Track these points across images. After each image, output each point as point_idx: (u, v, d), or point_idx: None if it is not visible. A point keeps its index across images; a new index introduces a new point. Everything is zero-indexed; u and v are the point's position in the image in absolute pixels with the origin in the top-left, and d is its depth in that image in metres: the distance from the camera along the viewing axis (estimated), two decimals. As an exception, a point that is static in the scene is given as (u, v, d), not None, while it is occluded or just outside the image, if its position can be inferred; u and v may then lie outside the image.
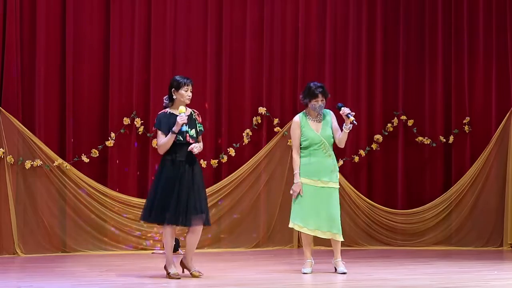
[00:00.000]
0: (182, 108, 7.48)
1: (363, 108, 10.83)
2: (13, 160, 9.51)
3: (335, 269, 7.97)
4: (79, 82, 9.91)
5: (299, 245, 10.40)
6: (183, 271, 7.65)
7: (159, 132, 7.54)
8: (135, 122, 10.06)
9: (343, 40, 10.84)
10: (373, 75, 10.91)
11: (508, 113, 10.69)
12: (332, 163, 7.97)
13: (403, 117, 10.90)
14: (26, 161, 9.57)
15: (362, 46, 10.86)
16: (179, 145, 7.48)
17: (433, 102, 10.94)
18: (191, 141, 7.51)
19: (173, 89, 7.58)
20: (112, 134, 9.95)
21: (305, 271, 7.95)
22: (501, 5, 10.86)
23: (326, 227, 7.88)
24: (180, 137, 7.46)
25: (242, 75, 10.52)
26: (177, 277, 7.45)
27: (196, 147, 7.49)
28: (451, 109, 10.92)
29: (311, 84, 8.01)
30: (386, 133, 10.89)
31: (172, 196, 7.39)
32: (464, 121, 10.85)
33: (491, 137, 10.71)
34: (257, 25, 10.57)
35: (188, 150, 7.48)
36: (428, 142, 10.88)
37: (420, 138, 10.88)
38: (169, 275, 7.50)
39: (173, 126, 7.44)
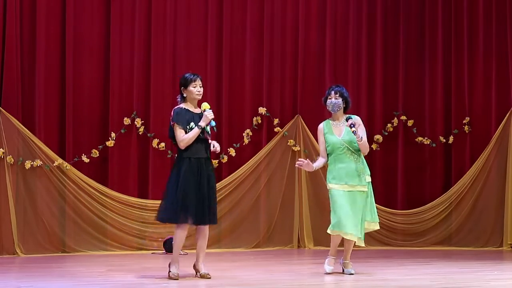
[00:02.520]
0: (206, 104, 7.51)
1: (363, 108, 10.83)
2: (13, 160, 9.51)
3: (343, 270, 7.94)
4: (79, 82, 9.92)
5: (299, 246, 10.42)
6: (196, 275, 7.63)
7: (177, 126, 7.47)
8: (135, 122, 10.06)
9: (343, 40, 10.85)
10: (373, 75, 10.91)
11: (508, 113, 10.70)
12: (358, 167, 7.89)
13: (403, 117, 10.90)
14: (26, 161, 9.57)
15: (362, 46, 10.87)
16: (198, 142, 7.48)
17: (433, 102, 10.95)
18: (207, 137, 7.52)
19: (182, 87, 7.59)
20: (113, 134, 9.95)
21: (328, 270, 7.85)
22: (501, 6, 10.87)
23: (351, 229, 7.80)
24: (201, 134, 7.46)
25: (242, 75, 10.53)
26: (175, 277, 7.44)
27: (218, 146, 7.54)
28: (451, 109, 10.92)
29: (332, 85, 8.13)
30: (386, 133, 10.89)
31: (193, 196, 7.40)
32: (464, 121, 10.85)
33: (491, 137, 10.72)
34: (257, 25, 10.58)
35: (212, 150, 7.54)
36: (428, 142, 10.88)
37: (420, 138, 10.88)
38: (169, 274, 7.49)
39: (190, 121, 7.44)
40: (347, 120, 7.85)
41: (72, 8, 9.86)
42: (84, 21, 9.95)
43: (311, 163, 7.91)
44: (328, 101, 7.93)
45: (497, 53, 10.85)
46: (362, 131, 7.89)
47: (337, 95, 7.91)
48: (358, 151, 7.91)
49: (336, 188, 7.84)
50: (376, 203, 10.76)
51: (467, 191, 10.70)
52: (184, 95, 7.57)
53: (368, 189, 7.93)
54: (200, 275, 7.59)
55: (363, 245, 7.92)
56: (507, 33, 10.82)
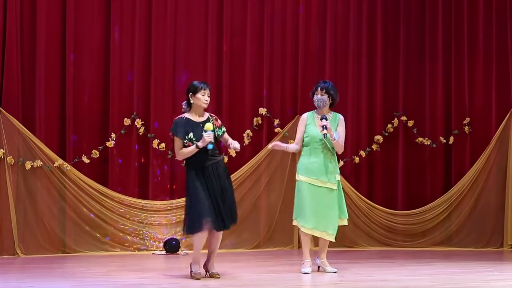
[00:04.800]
0: (209, 125, 7.52)
1: (364, 108, 10.84)
2: (13, 160, 9.50)
3: (318, 268, 8.07)
4: (80, 83, 9.91)
5: (299, 246, 10.39)
6: (206, 274, 7.70)
7: (176, 138, 7.59)
8: (135, 122, 10.06)
9: (344, 41, 10.84)
10: (373, 75, 10.91)
11: (508, 114, 10.69)
12: (332, 165, 8.03)
13: (404, 118, 10.90)
14: (27, 162, 9.56)
15: (362, 47, 10.87)
16: (200, 153, 7.52)
17: (433, 102, 10.95)
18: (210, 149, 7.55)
19: (190, 93, 7.62)
20: (113, 135, 9.95)
21: (305, 271, 7.96)
22: (501, 6, 10.86)
23: (321, 227, 7.93)
24: (209, 147, 7.50)
25: (243, 75, 10.53)
26: (198, 277, 7.52)
27: (237, 145, 7.60)
28: (451, 109, 10.92)
29: (320, 80, 8.32)
30: (387, 134, 10.89)
31: (206, 203, 7.43)
32: (464, 122, 10.85)
33: (491, 138, 10.71)
34: (258, 25, 10.57)
35: (232, 148, 7.64)
36: (428, 143, 10.88)
37: (420, 138, 10.88)
38: (191, 274, 7.57)
39: (190, 132, 7.50)
40: (321, 119, 7.96)
41: (73, 8, 9.85)
42: (84, 21, 9.95)
43: (281, 143, 8.25)
44: (315, 97, 8.11)
45: (497, 53, 10.84)
46: (341, 131, 8.07)
47: (323, 92, 8.07)
48: (333, 149, 8.03)
49: (305, 181, 7.97)
50: (376, 203, 10.85)
51: (468, 191, 10.69)
52: (191, 101, 7.60)
53: (337, 187, 8.05)
54: (210, 274, 7.66)
55: (333, 240, 8.04)
56: (507, 33, 10.82)
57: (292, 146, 8.33)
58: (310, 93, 8.20)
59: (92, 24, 10.00)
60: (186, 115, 7.64)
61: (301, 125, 8.18)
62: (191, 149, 7.52)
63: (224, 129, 7.75)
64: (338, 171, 8.12)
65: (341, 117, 8.18)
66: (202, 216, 7.42)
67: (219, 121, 7.74)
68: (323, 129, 7.91)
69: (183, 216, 7.81)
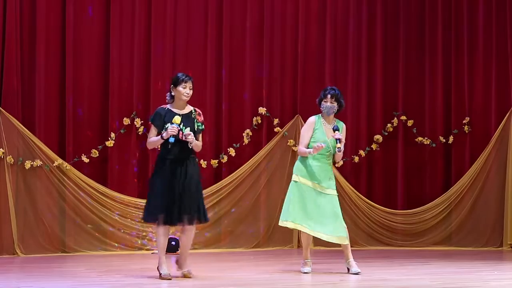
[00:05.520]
0: (177, 118, 7.42)
1: (363, 108, 10.84)
2: (13, 160, 9.51)
3: (348, 270, 7.96)
4: (79, 82, 9.91)
5: (299, 246, 10.40)
6: (176, 269, 7.64)
7: (152, 127, 7.53)
8: (135, 122, 10.06)
9: (343, 40, 10.85)
10: (373, 75, 10.91)
11: (508, 113, 10.70)
12: (331, 173, 8.00)
13: (403, 118, 10.90)
14: (26, 161, 9.57)
15: (362, 46, 10.88)
16: (175, 143, 7.41)
17: (433, 102, 10.95)
18: (186, 139, 7.41)
19: (172, 85, 7.57)
20: (112, 134, 9.95)
21: (305, 271, 7.96)
22: (501, 6, 10.86)
23: (330, 230, 7.85)
24: (171, 140, 7.36)
25: (242, 75, 10.53)
26: (168, 277, 7.44)
27: (191, 136, 7.40)
28: (451, 109, 10.93)
29: (327, 86, 8.21)
30: (386, 133, 10.89)
31: (165, 196, 7.38)
32: (464, 122, 10.86)
33: (491, 138, 10.72)
34: (257, 25, 10.58)
35: (183, 137, 7.37)
36: (428, 143, 10.88)
37: (420, 138, 10.88)
38: (160, 276, 7.50)
39: (168, 122, 7.42)
40: (334, 130, 7.91)
41: (72, 8, 9.85)
42: (84, 21, 9.95)
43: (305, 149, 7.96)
44: (324, 104, 7.97)
45: (497, 53, 10.85)
46: (342, 141, 7.96)
47: (333, 99, 7.97)
48: (333, 157, 8.00)
49: (307, 184, 7.88)
50: (376, 203, 10.85)
51: (467, 191, 10.70)
52: (173, 93, 7.56)
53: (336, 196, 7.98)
54: (182, 273, 7.56)
55: (347, 242, 7.88)
56: (507, 33, 10.82)
57: (308, 151, 8.01)
58: (317, 99, 8.05)
59: (92, 24, 10.00)
60: (169, 106, 7.58)
61: (309, 130, 8.00)
62: (156, 139, 7.46)
63: (203, 127, 7.67)
64: (334, 178, 8.07)
65: (344, 125, 8.13)
66: (157, 210, 7.38)
67: (202, 117, 7.66)
68: (337, 142, 7.83)
69: None
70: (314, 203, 7.87)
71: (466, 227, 10.71)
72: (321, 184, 7.90)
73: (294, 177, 7.99)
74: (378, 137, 10.85)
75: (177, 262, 7.71)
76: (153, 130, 7.52)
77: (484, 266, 8.82)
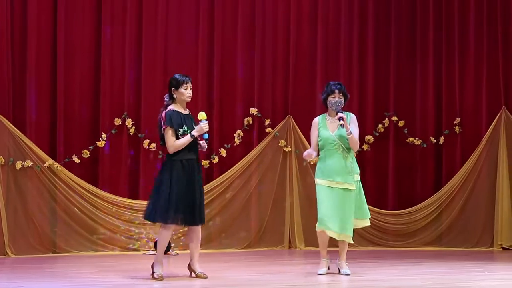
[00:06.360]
0: (203, 114, 7.53)
1: (354, 108, 10.80)
2: (3, 160, 9.48)
3: (339, 270, 7.96)
4: (70, 83, 9.90)
5: (290, 246, 10.42)
6: (190, 275, 7.67)
7: (170, 131, 7.49)
8: (126, 122, 10.04)
9: (335, 41, 10.85)
10: (364, 76, 10.92)
11: (499, 114, 10.73)
12: (349, 165, 7.93)
13: (394, 118, 10.92)
14: (17, 162, 9.54)
15: (353, 47, 10.88)
16: (190, 144, 7.50)
17: (424, 103, 10.97)
18: (199, 139, 7.58)
19: (173, 88, 7.59)
20: (103, 135, 9.94)
21: (320, 272, 7.90)
22: (492, 6, 10.88)
23: (339, 228, 7.85)
24: (205, 136, 7.56)
25: (234, 75, 10.52)
26: (160, 278, 7.45)
27: (205, 145, 7.67)
28: (442, 110, 10.94)
29: (330, 82, 8.14)
30: (377, 134, 10.90)
31: (185, 197, 7.41)
32: (455, 122, 10.88)
33: (482, 138, 10.74)
34: (249, 25, 10.57)
35: (201, 148, 7.63)
36: (419, 143, 10.90)
37: (411, 139, 10.90)
38: (153, 275, 7.49)
39: (182, 124, 7.46)
40: (336, 113, 7.88)
41: (63, 9, 9.83)
42: (75, 21, 9.93)
43: (309, 151, 7.96)
44: (332, 100, 7.94)
45: (488, 54, 10.87)
46: (355, 129, 7.95)
47: (340, 94, 7.96)
48: (349, 148, 7.94)
49: (323, 184, 7.90)
50: (367, 203, 10.84)
51: (458, 191, 10.72)
52: (174, 96, 7.58)
53: (356, 187, 7.95)
54: (196, 275, 7.62)
55: (351, 241, 7.96)
56: (497, 33, 10.84)
57: (314, 153, 8.03)
58: (322, 96, 8.03)
59: (83, 24, 9.99)
60: (173, 107, 7.61)
61: (314, 130, 8.02)
62: (186, 140, 7.47)
63: None
64: (358, 171, 8.02)
65: (353, 116, 8.10)
66: (175, 211, 7.38)
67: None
68: (339, 120, 7.78)
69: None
70: (329, 202, 7.83)
71: (457, 228, 10.73)
72: (336, 180, 7.87)
73: (315, 181, 8.00)
74: (369, 137, 10.86)
75: (189, 267, 7.71)
76: (171, 134, 7.49)
77: (474, 267, 8.84)
